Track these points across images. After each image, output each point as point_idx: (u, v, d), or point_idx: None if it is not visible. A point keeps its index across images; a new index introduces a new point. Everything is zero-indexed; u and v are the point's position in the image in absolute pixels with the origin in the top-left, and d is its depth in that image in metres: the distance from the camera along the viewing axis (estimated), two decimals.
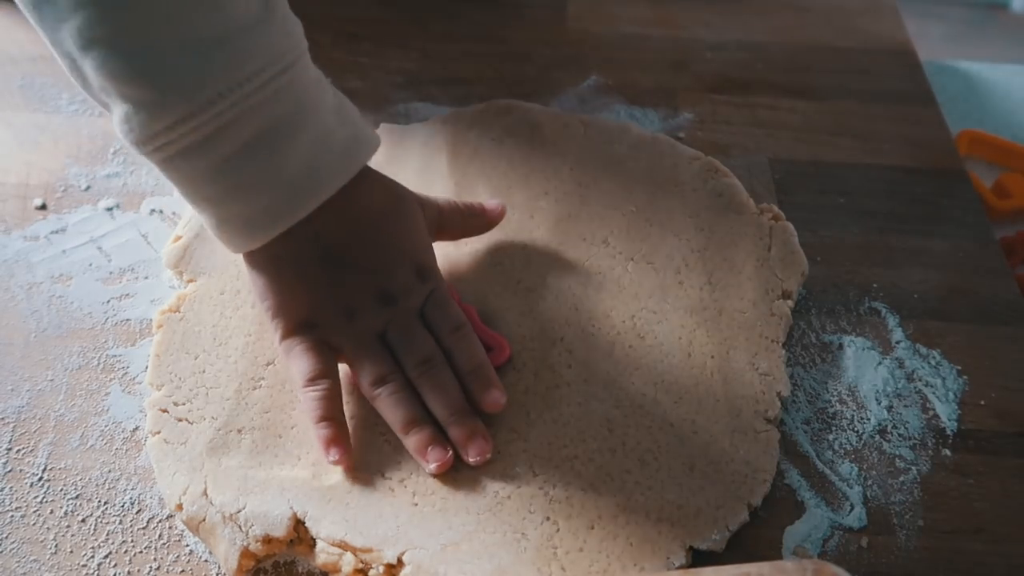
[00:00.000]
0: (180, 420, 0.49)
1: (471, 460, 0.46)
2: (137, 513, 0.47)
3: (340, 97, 0.49)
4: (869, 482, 0.49)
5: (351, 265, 0.48)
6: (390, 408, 0.47)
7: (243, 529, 0.44)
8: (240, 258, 0.54)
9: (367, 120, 0.65)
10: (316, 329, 0.48)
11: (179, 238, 0.56)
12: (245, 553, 0.44)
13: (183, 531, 0.46)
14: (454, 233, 0.54)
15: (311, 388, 0.47)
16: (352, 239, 0.48)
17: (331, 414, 0.47)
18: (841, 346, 0.55)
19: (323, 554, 0.44)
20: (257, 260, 0.48)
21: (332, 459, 0.46)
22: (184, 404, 0.49)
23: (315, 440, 0.47)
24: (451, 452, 0.46)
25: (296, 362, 0.48)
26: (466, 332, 0.49)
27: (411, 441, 0.47)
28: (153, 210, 0.60)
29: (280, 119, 0.44)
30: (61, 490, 0.47)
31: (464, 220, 0.54)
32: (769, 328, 0.53)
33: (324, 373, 0.47)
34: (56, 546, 0.45)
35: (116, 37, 0.41)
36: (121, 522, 0.46)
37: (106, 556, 0.45)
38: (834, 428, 0.51)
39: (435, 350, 0.48)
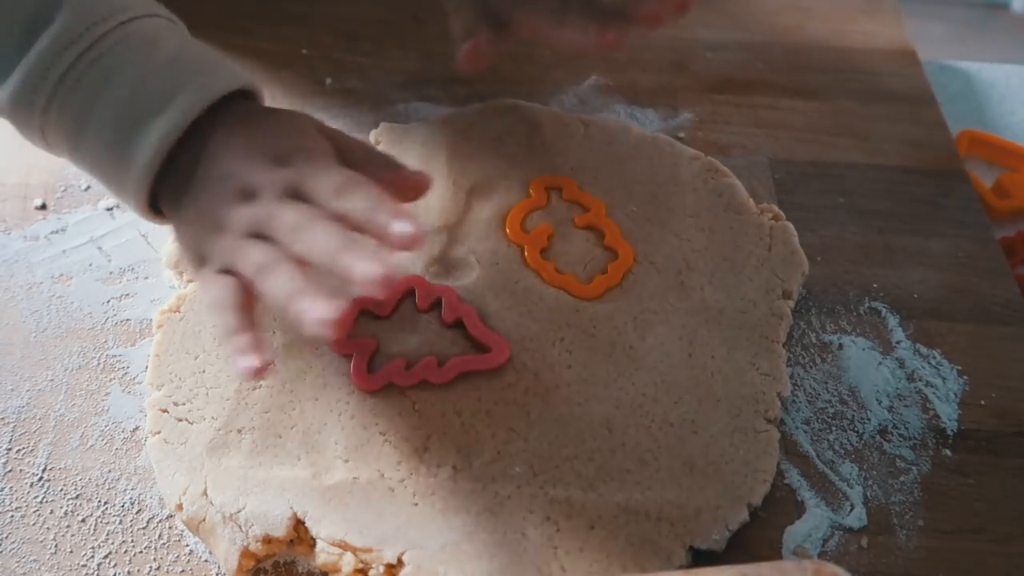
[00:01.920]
0: (180, 420, 0.49)
1: (361, 284, 0.38)
2: (137, 513, 0.47)
3: (180, 53, 0.46)
4: (869, 482, 0.49)
5: (210, 181, 0.45)
6: (271, 287, 0.40)
7: (243, 529, 0.44)
8: None
9: (366, 120, 0.65)
10: (208, 260, 0.44)
11: None
12: (245, 553, 0.44)
13: (183, 531, 0.46)
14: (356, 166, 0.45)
15: (211, 312, 0.45)
16: (214, 163, 0.45)
17: (237, 327, 0.41)
18: (841, 346, 0.55)
19: (323, 554, 0.44)
20: (171, 224, 0.47)
21: (250, 367, 0.40)
22: (184, 404, 0.49)
23: (231, 359, 0.41)
24: (337, 306, 0.38)
25: (203, 298, 0.46)
26: (354, 182, 0.42)
27: (294, 310, 0.39)
28: None
29: (91, 89, 0.44)
30: (61, 490, 0.47)
31: (367, 157, 0.47)
32: (769, 328, 0.53)
33: (222, 292, 0.42)
34: (56, 546, 0.45)
35: None
36: (121, 522, 0.46)
37: (106, 556, 0.45)
38: (834, 428, 0.51)
39: (309, 211, 0.42)
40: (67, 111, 0.45)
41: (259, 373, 0.40)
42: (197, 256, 0.45)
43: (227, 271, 0.43)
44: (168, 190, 0.46)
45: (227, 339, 0.41)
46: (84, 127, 0.45)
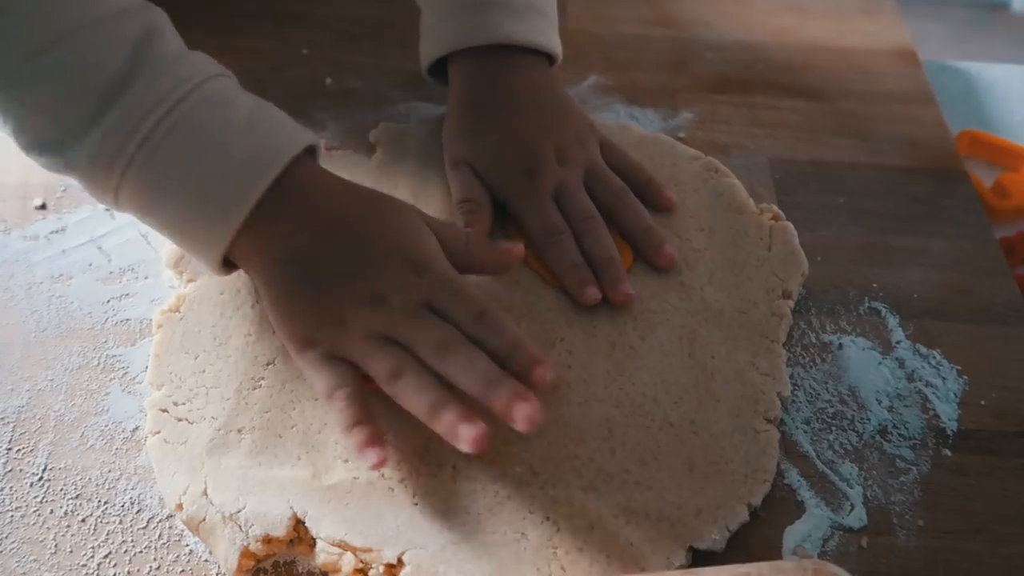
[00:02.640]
0: (180, 420, 0.49)
1: (521, 427, 0.43)
2: (137, 513, 0.47)
3: (258, 110, 0.49)
4: (869, 482, 0.49)
5: (331, 273, 0.47)
6: (411, 397, 0.44)
7: (243, 529, 0.44)
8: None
9: (366, 120, 0.65)
10: (319, 344, 0.47)
11: None
12: (245, 553, 0.44)
13: (183, 531, 0.46)
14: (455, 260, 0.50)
15: (330, 402, 0.46)
16: (322, 246, 0.47)
17: (356, 419, 0.45)
18: (841, 346, 0.55)
19: (323, 554, 0.44)
20: (256, 282, 0.49)
21: (371, 462, 0.44)
22: (184, 404, 0.49)
23: (351, 450, 0.45)
24: (484, 426, 0.43)
25: (313, 380, 0.47)
26: (493, 315, 0.46)
27: (441, 425, 0.43)
28: None
29: (173, 153, 0.46)
30: (61, 490, 0.47)
31: (467, 245, 0.51)
32: (769, 328, 0.53)
33: (339, 383, 0.46)
34: (56, 546, 0.45)
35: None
36: (121, 522, 0.46)
37: (106, 556, 0.45)
38: (834, 428, 0.51)
39: (453, 332, 0.45)
40: (148, 172, 0.46)
41: (381, 464, 0.44)
42: (304, 337, 0.47)
43: (339, 359, 0.46)
44: (249, 256, 0.48)
45: (350, 430, 0.45)
46: (161, 192, 0.46)
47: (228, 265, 0.49)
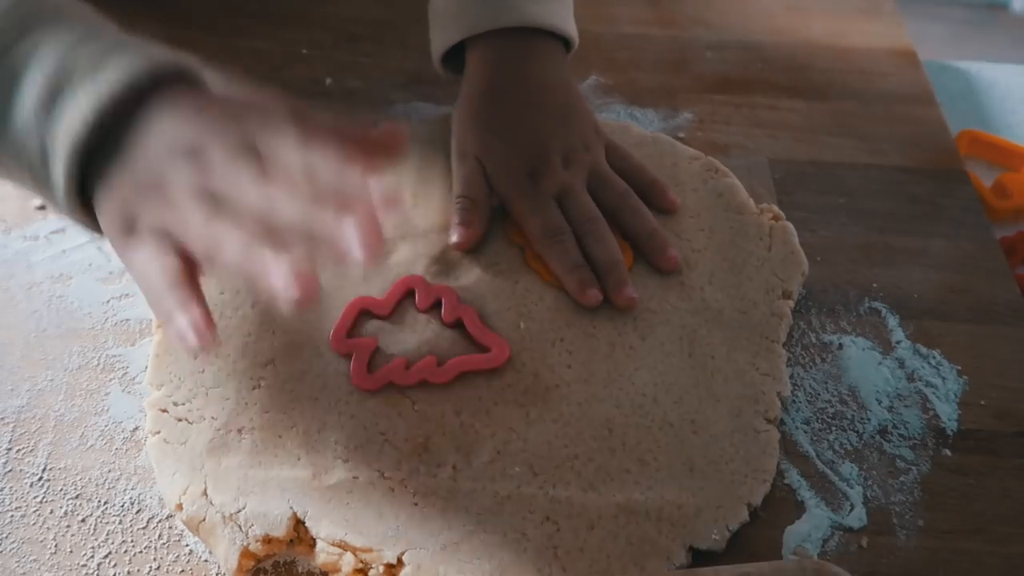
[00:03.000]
0: (180, 420, 0.48)
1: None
2: (137, 513, 0.47)
3: (123, 33, 0.43)
4: (869, 482, 0.49)
5: (143, 147, 0.40)
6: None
7: (243, 529, 0.44)
8: None
9: (364, 119, 0.65)
10: (139, 227, 0.40)
11: None
12: (245, 553, 0.44)
13: (183, 531, 0.46)
14: None
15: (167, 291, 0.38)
16: (144, 130, 0.40)
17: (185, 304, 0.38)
18: (841, 346, 0.55)
19: (323, 554, 0.44)
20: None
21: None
22: (184, 404, 0.49)
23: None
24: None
25: (142, 271, 0.40)
26: (321, 137, 0.39)
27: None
28: None
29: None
30: (61, 490, 0.47)
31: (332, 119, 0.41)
32: (769, 328, 0.53)
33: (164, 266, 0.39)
34: (56, 546, 0.45)
35: None
36: (121, 522, 0.46)
37: (106, 556, 0.45)
38: (834, 428, 0.51)
39: (265, 167, 0.38)
40: None
41: (206, 349, 0.37)
42: (124, 221, 0.40)
43: (162, 236, 0.39)
44: (101, 176, 0.40)
45: (172, 315, 0.37)
46: (10, 111, 0.40)
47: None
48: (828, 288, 0.57)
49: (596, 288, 0.53)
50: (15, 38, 0.40)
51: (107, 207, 0.40)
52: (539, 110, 0.58)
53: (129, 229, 0.40)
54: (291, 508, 0.45)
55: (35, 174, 0.41)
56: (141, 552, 0.45)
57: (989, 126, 0.71)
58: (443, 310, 0.52)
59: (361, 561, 0.44)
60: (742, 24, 0.76)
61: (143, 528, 0.46)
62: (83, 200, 0.41)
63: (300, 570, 0.46)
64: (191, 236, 0.38)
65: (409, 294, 0.53)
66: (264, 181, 0.37)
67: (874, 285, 0.58)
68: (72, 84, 0.39)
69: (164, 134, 0.40)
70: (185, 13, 0.72)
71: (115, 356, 0.53)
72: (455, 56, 0.61)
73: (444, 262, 0.55)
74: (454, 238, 0.55)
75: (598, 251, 0.54)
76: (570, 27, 0.61)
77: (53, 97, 0.40)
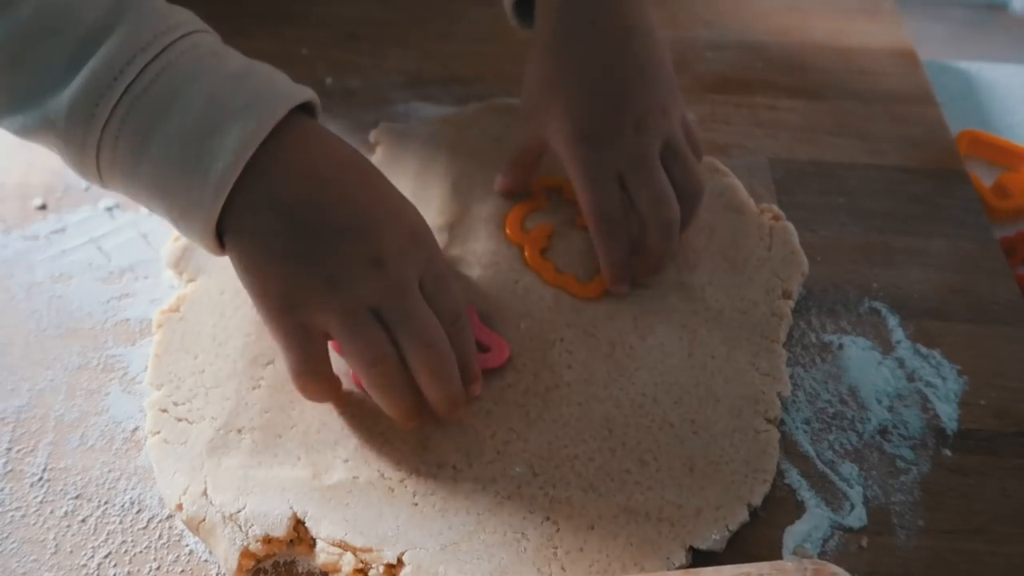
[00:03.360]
0: (180, 420, 0.48)
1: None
2: (137, 513, 0.47)
3: (251, 63, 0.46)
4: (869, 482, 0.49)
5: (326, 228, 0.44)
6: (387, 395, 0.45)
7: (243, 529, 0.44)
8: None
9: (366, 120, 0.65)
10: (298, 308, 0.44)
11: (179, 238, 0.56)
12: (245, 553, 0.44)
13: (183, 531, 0.46)
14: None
15: (297, 380, 0.46)
16: (319, 198, 0.44)
17: (328, 398, 0.48)
18: (841, 346, 0.55)
19: (323, 554, 0.44)
20: (231, 250, 0.45)
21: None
22: (184, 404, 0.49)
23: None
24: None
25: (282, 351, 0.45)
26: (463, 324, 0.47)
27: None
28: None
29: (162, 97, 0.42)
30: (61, 490, 0.47)
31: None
32: (769, 328, 0.53)
33: (309, 365, 0.45)
34: (56, 546, 0.45)
35: None
36: (121, 522, 0.46)
37: (106, 556, 0.45)
38: (834, 428, 0.51)
39: (442, 334, 0.45)
40: (132, 124, 0.42)
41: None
42: (283, 298, 0.44)
43: (312, 327, 0.44)
44: (241, 211, 0.43)
45: (307, 392, 0.47)
46: (149, 141, 0.42)
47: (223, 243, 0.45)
48: (828, 288, 0.57)
49: (627, 283, 0.53)
50: (159, 72, 0.42)
51: (264, 280, 0.44)
52: (612, 62, 0.52)
53: (286, 307, 0.44)
54: (291, 508, 0.45)
55: (174, 201, 0.43)
56: (141, 552, 0.45)
57: (989, 126, 0.71)
58: None
59: (361, 561, 0.44)
60: (742, 24, 0.76)
61: (143, 528, 0.46)
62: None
63: (300, 570, 0.46)
64: (363, 360, 0.44)
65: None
66: (432, 344, 0.44)
67: (874, 285, 0.58)
68: (221, 122, 0.42)
69: (345, 218, 0.44)
70: None
71: (115, 356, 0.53)
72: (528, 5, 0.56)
73: None
74: (496, 186, 0.58)
75: (653, 240, 0.52)
76: None
77: (204, 132, 0.42)
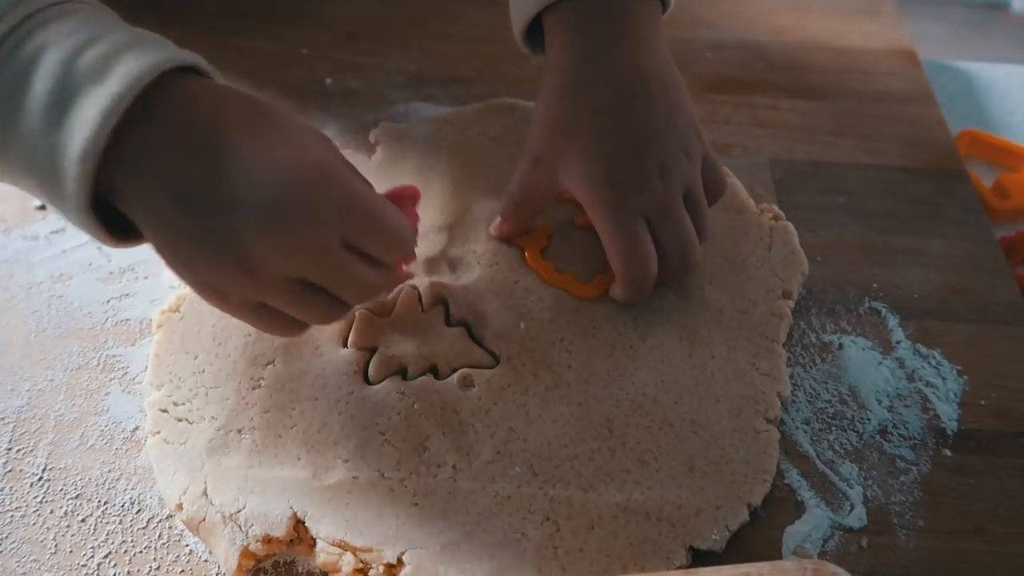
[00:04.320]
0: (180, 420, 0.49)
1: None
2: (137, 513, 0.47)
3: (128, 32, 0.41)
4: (869, 482, 0.49)
5: (216, 207, 0.40)
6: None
7: (243, 529, 0.44)
8: None
9: (366, 120, 0.65)
10: (230, 295, 0.43)
11: None
12: (245, 553, 0.44)
13: (183, 531, 0.46)
14: None
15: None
16: (204, 171, 0.40)
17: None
18: (841, 346, 0.55)
19: (323, 554, 0.44)
20: (145, 231, 0.42)
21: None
22: (184, 404, 0.49)
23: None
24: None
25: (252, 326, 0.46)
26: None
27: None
28: None
29: (21, 68, 0.39)
30: (61, 490, 0.47)
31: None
32: (769, 328, 0.53)
33: (277, 329, 0.46)
34: (56, 546, 0.45)
35: None
36: (121, 522, 0.46)
37: (106, 556, 0.45)
38: (834, 428, 0.51)
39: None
40: None
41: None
42: (213, 290, 0.43)
43: (259, 311, 0.44)
44: (126, 179, 0.40)
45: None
46: (15, 116, 0.38)
47: (120, 233, 0.42)
48: (828, 288, 0.57)
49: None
50: (20, 39, 0.39)
51: (186, 271, 0.43)
52: (628, 107, 0.49)
53: (222, 297, 0.43)
54: (291, 508, 0.45)
55: (44, 182, 0.40)
56: (141, 552, 0.45)
57: (989, 126, 0.71)
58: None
59: (361, 561, 0.44)
60: (742, 24, 0.76)
61: (143, 528, 0.46)
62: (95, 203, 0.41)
63: (300, 570, 0.46)
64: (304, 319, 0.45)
65: (409, 295, 0.53)
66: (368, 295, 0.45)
67: (874, 285, 0.58)
68: (84, 87, 0.38)
69: (250, 182, 0.40)
70: (185, 13, 0.72)
71: (115, 356, 0.53)
72: (540, 30, 0.53)
73: (444, 262, 0.55)
74: (491, 229, 0.56)
75: (671, 277, 0.52)
76: None
77: (66, 99, 0.38)
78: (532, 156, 0.52)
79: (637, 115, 0.49)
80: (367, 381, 0.50)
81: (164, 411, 0.49)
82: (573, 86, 0.50)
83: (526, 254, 0.55)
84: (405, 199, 0.49)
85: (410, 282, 0.54)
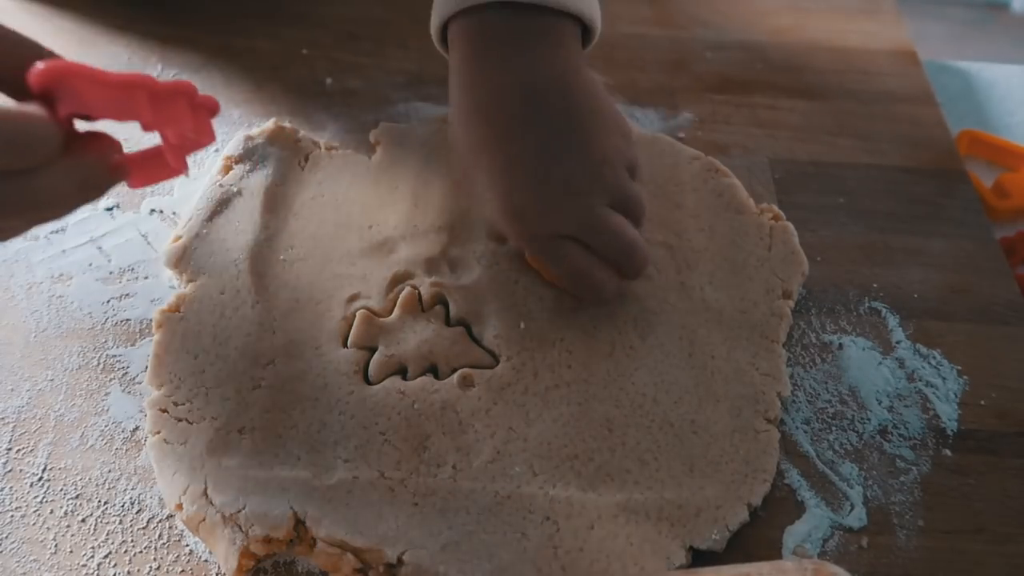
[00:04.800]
0: (180, 420, 0.49)
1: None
2: (137, 513, 0.47)
3: None
4: (869, 482, 0.49)
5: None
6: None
7: (243, 529, 0.44)
8: (240, 258, 0.55)
9: (366, 120, 0.65)
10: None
11: (179, 238, 0.56)
12: (245, 553, 0.44)
13: (183, 531, 0.46)
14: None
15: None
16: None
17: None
18: (841, 346, 0.55)
19: (323, 554, 0.44)
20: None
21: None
22: (184, 404, 0.49)
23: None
24: None
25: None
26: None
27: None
28: (153, 210, 0.60)
29: None
30: (61, 490, 0.47)
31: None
32: (769, 328, 0.53)
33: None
34: (56, 546, 0.45)
35: None
36: (121, 522, 0.46)
37: (106, 556, 0.45)
38: (834, 428, 0.51)
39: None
40: None
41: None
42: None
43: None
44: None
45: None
46: None
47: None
48: (828, 288, 0.57)
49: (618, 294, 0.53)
50: None
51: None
52: (528, 129, 0.47)
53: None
54: (291, 508, 0.45)
55: None
56: (141, 552, 0.45)
57: (989, 126, 0.71)
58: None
59: (361, 561, 0.44)
60: (742, 24, 0.76)
61: (143, 528, 0.46)
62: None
63: (300, 570, 0.46)
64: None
65: (410, 294, 0.53)
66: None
67: (874, 285, 0.58)
68: None
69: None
70: (185, 13, 0.72)
71: (115, 356, 0.53)
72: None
73: (444, 262, 0.55)
74: None
75: (629, 275, 0.51)
76: (590, 7, 0.49)
77: None
78: (460, 180, 0.54)
79: (533, 139, 0.47)
80: (367, 381, 0.50)
81: (164, 411, 0.49)
82: (470, 110, 0.49)
83: (526, 253, 0.55)
84: (178, 93, 0.40)
85: (410, 282, 0.54)
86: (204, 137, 0.41)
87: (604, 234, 0.49)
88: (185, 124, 0.40)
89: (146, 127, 0.38)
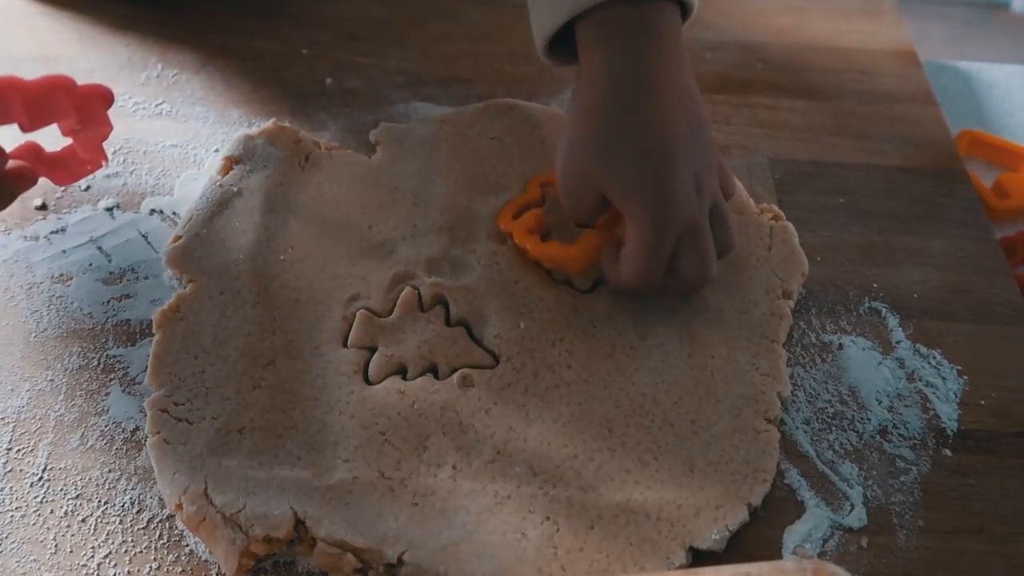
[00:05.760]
0: (180, 420, 0.48)
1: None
2: (137, 513, 0.47)
3: None
4: (869, 482, 0.49)
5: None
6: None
7: (243, 529, 0.44)
8: (240, 258, 0.55)
9: (366, 120, 0.65)
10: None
11: (179, 238, 0.56)
12: (245, 553, 0.44)
13: (183, 531, 0.46)
14: None
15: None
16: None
17: None
18: (841, 346, 0.55)
19: (323, 554, 0.44)
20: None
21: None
22: (184, 404, 0.49)
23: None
24: None
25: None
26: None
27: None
28: (153, 210, 0.60)
29: None
30: (61, 490, 0.47)
31: None
32: (769, 328, 0.53)
33: None
34: (56, 546, 0.45)
35: None
36: (121, 522, 0.46)
37: (106, 556, 0.45)
38: (834, 428, 0.51)
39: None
40: None
41: None
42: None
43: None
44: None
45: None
46: None
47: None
48: (828, 288, 0.57)
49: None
50: None
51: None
52: (671, 123, 0.49)
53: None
54: (291, 508, 0.45)
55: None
56: (141, 552, 0.45)
57: (989, 126, 0.71)
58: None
59: (361, 561, 0.44)
60: (742, 24, 0.76)
61: (143, 528, 0.46)
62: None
63: (300, 570, 0.46)
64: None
65: (410, 294, 0.53)
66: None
67: (874, 285, 0.58)
68: None
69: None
70: (185, 13, 0.72)
71: (115, 356, 0.53)
72: (564, 43, 0.53)
73: (444, 262, 0.55)
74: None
75: (680, 289, 0.52)
76: None
77: None
78: (575, 172, 0.51)
79: (675, 132, 0.49)
80: (367, 381, 0.50)
81: (164, 411, 0.49)
82: (612, 104, 0.50)
83: (513, 235, 0.55)
84: (53, 88, 0.41)
85: (410, 282, 0.54)
86: (102, 127, 0.41)
87: (700, 240, 0.50)
88: (68, 118, 0.39)
89: (25, 128, 0.38)
